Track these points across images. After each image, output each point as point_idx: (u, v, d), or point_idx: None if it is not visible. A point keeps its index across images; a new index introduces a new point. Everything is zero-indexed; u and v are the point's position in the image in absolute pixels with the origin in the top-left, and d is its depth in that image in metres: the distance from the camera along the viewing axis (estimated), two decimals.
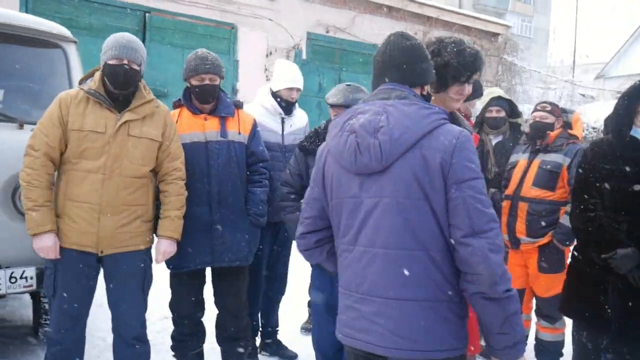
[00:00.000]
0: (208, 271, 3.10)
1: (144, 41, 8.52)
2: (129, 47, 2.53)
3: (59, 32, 3.33)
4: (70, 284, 2.52)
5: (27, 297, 3.67)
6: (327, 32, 10.32)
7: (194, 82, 2.91)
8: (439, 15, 11.51)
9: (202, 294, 3.10)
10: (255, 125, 3.13)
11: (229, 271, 3.02)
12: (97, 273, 2.61)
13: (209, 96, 2.94)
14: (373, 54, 1.84)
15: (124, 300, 2.63)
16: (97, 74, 2.58)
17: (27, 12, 7.55)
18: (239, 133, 3.01)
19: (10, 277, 2.81)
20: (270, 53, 9.62)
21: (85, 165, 2.49)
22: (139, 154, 2.57)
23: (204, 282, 3.11)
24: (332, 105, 2.76)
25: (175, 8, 8.82)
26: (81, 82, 2.65)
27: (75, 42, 3.41)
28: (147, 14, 8.61)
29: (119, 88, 2.54)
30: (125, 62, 2.50)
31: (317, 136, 2.79)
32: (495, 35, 12.74)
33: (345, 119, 1.70)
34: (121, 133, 2.53)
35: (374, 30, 10.47)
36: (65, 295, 2.52)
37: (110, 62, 2.51)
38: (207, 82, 2.90)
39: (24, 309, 4.10)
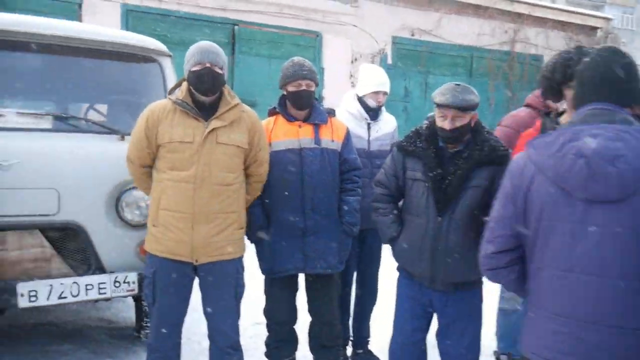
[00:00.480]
0: (301, 278, 3.10)
1: (232, 53, 8.82)
2: (209, 51, 2.57)
3: (156, 47, 3.48)
4: (167, 292, 2.60)
5: (130, 299, 3.85)
6: (412, 35, 10.14)
7: (291, 88, 2.93)
8: (531, 11, 10.94)
9: (295, 301, 3.10)
10: (348, 133, 3.11)
11: (321, 278, 3.01)
12: (192, 281, 2.67)
13: (305, 102, 2.96)
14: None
15: (219, 309, 2.67)
16: (183, 85, 2.64)
17: (127, 30, 8.06)
18: (332, 140, 3.00)
19: (115, 282, 2.96)
20: (355, 59, 9.61)
21: (176, 175, 2.54)
22: (228, 161, 2.60)
23: (297, 289, 3.11)
24: (439, 105, 2.57)
25: (262, 19, 9.05)
26: (170, 92, 2.73)
27: (170, 55, 3.56)
28: (235, 27, 8.90)
29: (205, 92, 2.58)
30: (208, 65, 2.54)
31: (417, 137, 2.65)
32: (594, 29, 11.93)
33: (564, 139, 1.63)
34: (209, 141, 2.56)
35: (461, 31, 10.16)
36: (163, 303, 2.60)
37: (194, 68, 2.55)
38: (304, 87, 2.92)
39: (127, 311, 4.31)
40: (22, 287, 2.73)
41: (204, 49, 2.58)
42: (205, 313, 2.69)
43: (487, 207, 1.94)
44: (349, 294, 3.49)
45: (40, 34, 3.11)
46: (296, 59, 3.01)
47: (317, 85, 3.01)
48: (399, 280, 2.76)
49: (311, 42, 9.53)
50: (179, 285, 2.61)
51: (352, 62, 9.64)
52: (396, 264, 2.75)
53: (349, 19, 9.62)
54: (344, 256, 3.07)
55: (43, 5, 8.15)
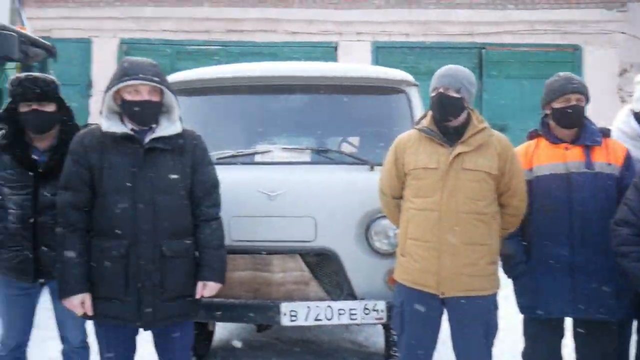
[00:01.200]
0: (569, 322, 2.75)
1: (480, 77, 8.57)
2: (445, 75, 2.50)
3: (402, 78, 3.54)
4: (415, 323, 2.54)
5: (380, 326, 3.92)
6: None
7: (558, 104, 2.64)
8: None
9: (560, 348, 2.75)
10: (629, 155, 2.66)
11: (593, 325, 2.60)
12: (441, 315, 2.57)
13: (575, 119, 2.65)
14: None
15: (467, 348, 2.50)
16: (429, 112, 2.60)
17: (377, 64, 8.52)
18: (609, 164, 2.61)
19: (365, 308, 3.02)
20: (625, 70, 8.41)
21: (421, 202, 2.49)
22: (475, 188, 2.45)
23: (562, 335, 2.75)
24: None
25: (512, 39, 8.63)
26: (417, 122, 2.71)
27: (416, 85, 3.58)
28: (482, 50, 8.66)
29: (442, 118, 2.49)
30: (441, 90, 2.46)
31: None
32: None
33: None
34: (455, 167, 2.45)
35: None
36: (410, 334, 2.54)
37: (431, 94, 2.52)
38: (573, 102, 2.62)
39: (378, 337, 4.40)
40: (285, 307, 2.98)
41: (438, 74, 2.54)
42: (455, 350, 2.56)
43: None
44: (627, 349, 2.94)
45: (300, 76, 3.45)
46: (562, 73, 2.73)
47: (588, 101, 2.67)
48: None
49: (568, 56, 8.72)
50: (426, 317, 2.53)
51: (619, 74, 8.47)
52: None
53: (615, 26, 8.50)
54: (625, 299, 2.58)
55: (305, 52, 9.17)
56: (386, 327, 3.66)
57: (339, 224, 3.09)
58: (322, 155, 3.42)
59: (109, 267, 2.29)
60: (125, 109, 2.34)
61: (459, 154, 2.46)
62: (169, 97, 2.37)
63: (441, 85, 2.48)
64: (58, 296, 2.36)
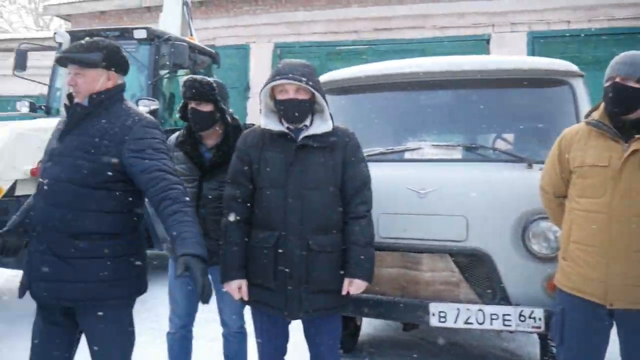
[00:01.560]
0: None
1: None
2: (623, 62, 2.22)
3: (567, 68, 3.27)
4: (577, 335, 2.32)
5: (535, 335, 3.67)
6: None
7: None
8: None
9: None
10: None
11: None
12: (609, 328, 2.31)
13: None
14: None
15: None
16: (602, 104, 2.34)
17: (534, 55, 7.97)
18: None
19: (520, 315, 2.85)
20: None
21: (587, 203, 2.27)
22: None
23: None
24: None
25: None
26: (587, 116, 2.47)
27: (581, 75, 3.28)
28: None
29: (616, 111, 2.22)
30: (618, 79, 2.20)
31: None
32: None
33: None
34: (629, 166, 2.18)
35: None
36: (571, 346, 2.33)
37: (606, 84, 2.25)
38: None
39: (532, 347, 4.13)
40: (434, 307, 2.91)
41: (615, 61, 2.26)
42: None
43: None
44: None
45: (454, 71, 3.34)
46: None
47: None
48: None
49: None
50: (590, 330, 2.30)
51: None
52: None
53: None
54: None
55: (454, 46, 8.91)
56: (543, 337, 3.44)
57: (493, 225, 2.94)
58: (475, 152, 3.28)
59: (262, 256, 2.42)
60: (277, 107, 2.45)
61: (635, 151, 2.20)
62: (319, 96, 2.43)
63: (618, 73, 2.22)
64: (220, 281, 2.54)
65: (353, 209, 2.46)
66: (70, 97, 2.31)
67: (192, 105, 2.84)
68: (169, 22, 7.10)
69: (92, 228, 2.15)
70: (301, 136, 2.44)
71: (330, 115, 2.48)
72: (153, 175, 2.12)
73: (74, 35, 6.11)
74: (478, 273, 3.01)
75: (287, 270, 2.38)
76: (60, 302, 2.19)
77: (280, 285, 2.39)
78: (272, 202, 2.41)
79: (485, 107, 3.40)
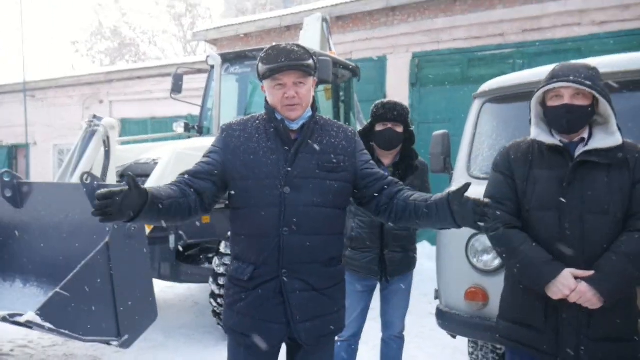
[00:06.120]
0: None
1: None
2: None
3: None
4: None
5: None
6: None
7: None
8: None
9: None
10: None
11: None
12: None
13: None
14: None
15: None
16: None
17: None
18: None
19: None
20: None
21: None
22: None
23: None
24: None
25: None
26: None
27: None
28: None
29: None
30: None
31: None
32: None
33: None
34: None
35: None
36: None
37: None
38: None
39: None
40: None
41: None
42: None
43: None
44: None
45: None
46: None
47: None
48: None
49: None
50: None
51: None
52: None
53: None
54: None
55: (617, 42, 7.98)
56: None
57: None
58: None
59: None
60: (546, 116, 2.15)
61: None
62: (604, 105, 2.07)
63: None
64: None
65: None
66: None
67: (389, 125, 3.05)
68: (309, 39, 7.14)
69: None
70: (579, 151, 2.11)
71: (619, 127, 2.10)
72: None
73: (225, 58, 6.34)
74: None
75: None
76: (320, 339, 2.04)
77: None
78: (542, 225, 2.10)
79: None
